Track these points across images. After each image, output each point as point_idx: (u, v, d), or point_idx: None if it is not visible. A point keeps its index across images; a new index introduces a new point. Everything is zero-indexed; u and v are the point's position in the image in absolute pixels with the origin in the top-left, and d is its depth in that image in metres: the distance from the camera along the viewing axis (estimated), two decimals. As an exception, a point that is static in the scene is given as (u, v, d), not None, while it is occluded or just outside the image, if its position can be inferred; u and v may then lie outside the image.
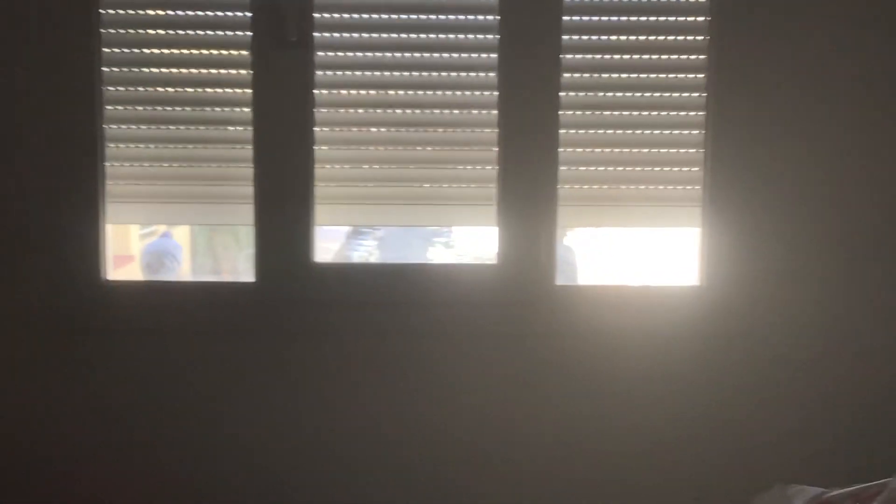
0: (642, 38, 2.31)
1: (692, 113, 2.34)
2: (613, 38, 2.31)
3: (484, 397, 2.37)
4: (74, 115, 2.27)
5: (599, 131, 2.34)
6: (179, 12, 2.29)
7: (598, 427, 2.39)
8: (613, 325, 2.34)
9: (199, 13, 2.29)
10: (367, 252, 4.44)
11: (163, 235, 3.48)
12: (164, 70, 2.31)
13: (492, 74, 2.31)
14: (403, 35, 2.31)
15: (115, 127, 2.31)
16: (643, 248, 3.34)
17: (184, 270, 3.59)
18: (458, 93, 2.32)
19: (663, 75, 2.33)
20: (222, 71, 2.32)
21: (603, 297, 2.37)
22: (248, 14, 2.28)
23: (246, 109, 2.31)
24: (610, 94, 2.33)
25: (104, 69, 2.28)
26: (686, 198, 2.36)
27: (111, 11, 2.28)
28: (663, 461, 2.39)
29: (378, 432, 2.38)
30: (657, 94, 2.33)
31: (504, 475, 2.39)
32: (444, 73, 2.31)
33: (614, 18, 2.31)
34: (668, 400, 2.38)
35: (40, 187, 2.28)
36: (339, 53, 2.31)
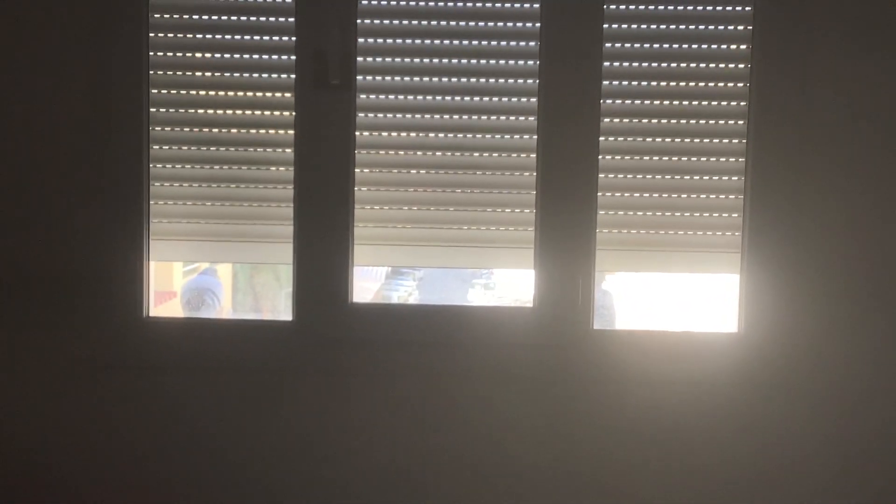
0: (682, 84, 2.32)
1: (731, 159, 2.33)
2: (653, 83, 2.32)
3: (519, 440, 2.36)
4: (121, 155, 2.32)
5: (638, 176, 2.34)
6: (226, 55, 2.35)
7: (633, 472, 2.36)
8: (650, 371, 2.32)
9: (245, 56, 2.34)
10: (407, 292, 4.46)
11: (203, 273, 3.53)
12: (209, 111, 2.36)
13: (531, 118, 2.33)
14: (444, 79, 2.33)
15: (160, 166, 2.36)
16: (682, 294, 3.32)
17: (224, 307, 3.63)
18: (498, 136, 2.34)
19: (703, 121, 2.33)
20: (266, 112, 2.36)
21: (640, 342, 2.35)
22: (293, 57, 2.32)
23: (288, 150, 2.35)
24: (649, 139, 2.33)
25: (151, 109, 2.34)
26: (725, 244, 2.35)
27: (160, 54, 2.33)
28: (700, 510, 2.36)
29: (411, 471, 2.37)
30: (697, 140, 2.33)
31: (538, 521, 2.38)
32: (483, 117, 2.34)
33: (654, 64, 2.31)
34: (705, 447, 2.35)
35: (85, 224, 2.33)
36: (381, 96, 2.34)
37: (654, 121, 2.33)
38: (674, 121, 2.33)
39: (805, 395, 2.33)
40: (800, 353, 2.31)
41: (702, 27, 2.31)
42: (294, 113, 2.33)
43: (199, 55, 2.36)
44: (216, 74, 2.35)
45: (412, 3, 2.32)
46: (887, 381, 2.34)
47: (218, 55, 2.35)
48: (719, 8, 2.31)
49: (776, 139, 2.29)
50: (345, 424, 2.36)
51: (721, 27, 2.32)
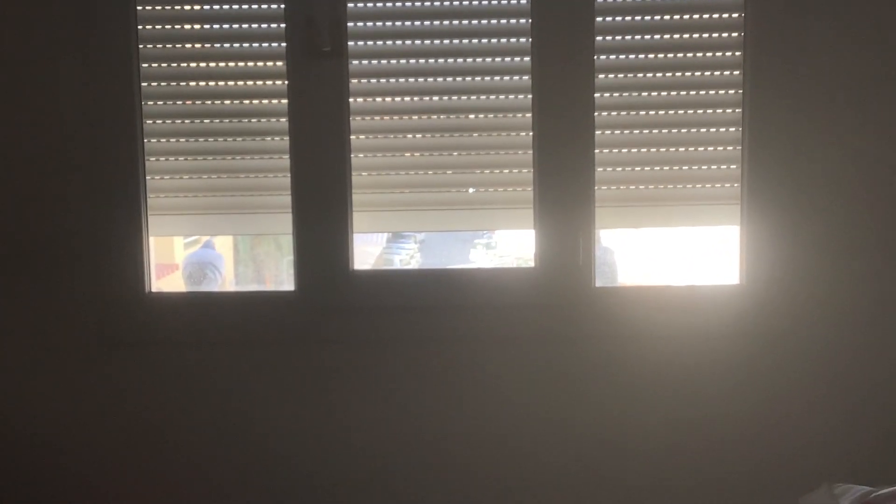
0: (676, 36, 2.30)
1: (728, 110, 2.32)
2: (647, 37, 2.30)
3: (524, 400, 2.37)
4: (115, 131, 2.31)
5: (635, 131, 2.33)
6: (215, 26, 2.33)
7: (640, 428, 2.38)
8: (654, 326, 2.33)
9: (235, 26, 2.32)
10: (408, 255, 4.46)
11: (204, 245, 3.53)
12: (201, 83, 2.35)
13: (526, 78, 2.31)
14: (436, 41, 2.32)
15: (154, 140, 2.35)
16: (682, 248, 3.32)
17: (227, 279, 3.63)
18: (493, 97, 2.33)
19: (698, 73, 2.31)
20: (258, 82, 2.34)
21: (643, 298, 2.36)
22: (283, 25, 2.30)
23: (282, 120, 2.34)
24: (644, 93, 2.32)
25: (143, 84, 2.32)
26: (724, 196, 2.34)
27: (149, 27, 2.31)
28: (706, 461, 2.38)
29: (419, 436, 2.39)
30: (692, 93, 2.31)
31: (545, 477, 2.39)
32: (477, 78, 2.32)
33: (648, 18, 2.29)
34: (710, 400, 2.36)
35: (84, 202, 2.33)
36: (373, 61, 2.33)
37: (650, 74, 2.31)
38: (669, 74, 2.31)
39: (807, 344, 2.34)
40: (802, 302, 2.32)
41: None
42: (287, 82, 2.32)
43: (188, 27, 2.34)
44: (206, 46, 2.34)
45: (401, -34, 2.30)
46: (889, 330, 2.34)
47: (207, 26, 2.34)
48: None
49: (772, 89, 2.27)
50: (351, 391, 2.38)
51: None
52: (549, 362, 2.36)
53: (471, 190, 2.37)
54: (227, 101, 2.34)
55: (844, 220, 2.31)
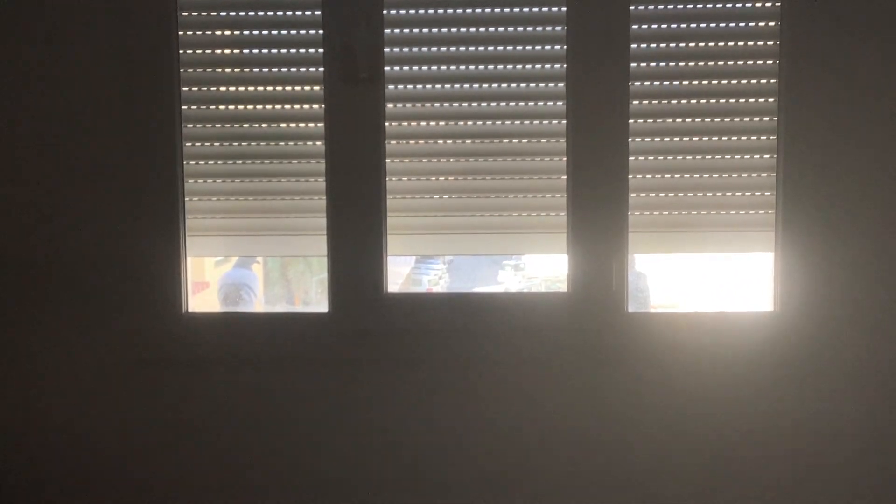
0: (711, 63, 2.31)
1: (763, 137, 2.32)
2: (682, 63, 2.31)
3: (556, 423, 2.37)
4: (155, 153, 2.35)
5: (669, 157, 2.34)
6: (254, 51, 2.36)
7: (672, 454, 2.37)
8: (686, 353, 2.33)
9: (274, 51, 2.36)
10: (437, 276, 4.47)
11: (238, 265, 3.56)
12: (240, 107, 2.38)
13: (560, 103, 2.33)
14: (472, 67, 2.34)
15: (193, 163, 2.38)
16: (717, 274, 3.31)
17: (258, 299, 3.66)
18: (527, 122, 2.34)
19: (732, 99, 2.32)
20: (296, 106, 2.37)
21: (675, 324, 2.35)
22: (321, 51, 2.33)
23: (319, 143, 2.36)
24: (679, 119, 2.32)
25: (183, 107, 2.36)
26: (759, 223, 2.34)
27: (189, 51, 2.35)
28: (738, 487, 2.36)
29: (450, 460, 2.39)
30: (727, 119, 2.32)
31: (576, 501, 2.39)
32: (512, 103, 2.34)
33: (682, 45, 2.30)
34: (742, 427, 2.35)
35: (123, 223, 2.36)
36: (409, 86, 2.35)
37: (684, 101, 2.32)
38: (703, 101, 2.32)
39: (842, 372, 2.32)
40: (836, 330, 2.31)
41: (728, 5, 2.30)
42: (324, 106, 2.35)
43: (228, 52, 2.38)
44: (245, 70, 2.37)
45: (438, -8, 2.32)
46: (926, 357, 2.33)
47: (247, 51, 2.37)
48: (747, -15, 2.29)
49: (807, 115, 2.28)
50: (384, 412, 2.39)
51: (749, 3, 2.30)
52: (581, 387, 2.36)
53: (496, 214, 2.38)
54: (265, 125, 2.38)
55: (880, 248, 2.30)
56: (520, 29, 2.32)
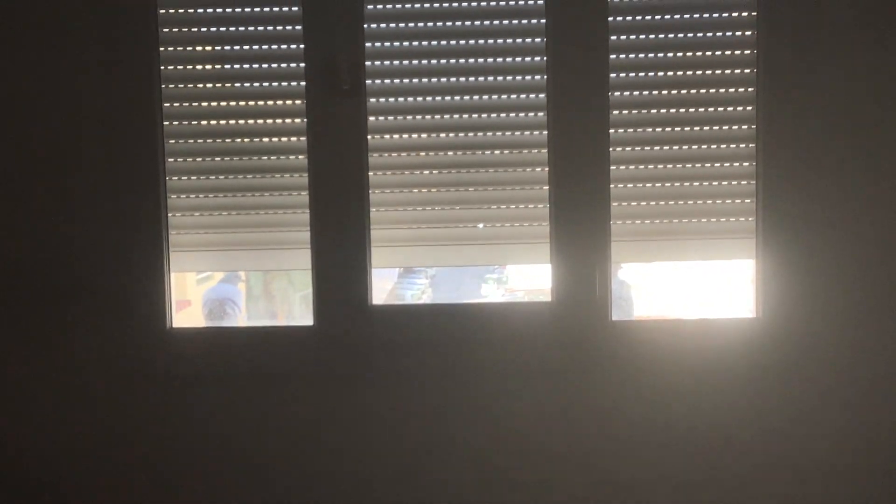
0: (690, 72, 2.33)
1: (742, 145, 2.35)
2: (661, 73, 2.34)
3: (542, 435, 2.38)
4: (137, 169, 2.35)
5: (650, 166, 2.36)
6: (236, 65, 2.37)
7: (656, 460, 2.38)
8: (670, 359, 2.34)
9: (255, 65, 2.36)
10: (420, 290, 4.47)
11: (223, 281, 3.55)
12: (222, 122, 2.39)
13: (541, 114, 2.34)
14: (453, 79, 2.35)
15: (176, 178, 2.38)
16: (699, 280, 3.33)
17: (242, 314, 3.65)
18: (509, 133, 2.36)
19: (712, 109, 2.34)
20: (278, 120, 2.38)
21: (659, 332, 2.37)
22: (302, 65, 2.34)
23: (301, 157, 2.37)
24: (659, 128, 2.35)
25: (165, 122, 2.36)
26: (739, 230, 2.36)
27: (171, 67, 2.36)
28: (723, 494, 2.37)
29: (437, 472, 2.39)
30: (706, 128, 2.34)
31: (566, 512, 2.40)
32: (493, 115, 2.35)
33: (661, 55, 2.33)
34: (726, 432, 2.36)
35: (107, 239, 2.36)
36: (391, 99, 2.36)
37: (664, 110, 2.34)
38: (683, 109, 2.34)
39: (823, 377, 2.34)
40: (817, 335, 2.33)
41: (706, 15, 2.32)
42: (306, 120, 2.35)
43: (209, 67, 2.38)
44: (227, 85, 2.38)
45: (417, 6, 2.34)
46: (906, 360, 2.35)
47: (228, 66, 2.37)
48: (723, -3, 2.33)
49: (785, 122, 2.30)
50: (369, 424, 2.39)
51: (726, 14, 2.32)
52: (566, 394, 2.37)
53: (480, 225, 2.39)
54: (247, 139, 2.38)
55: (860, 254, 2.32)
56: (500, 41, 2.34)
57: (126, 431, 2.40)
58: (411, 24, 2.35)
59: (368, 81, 2.35)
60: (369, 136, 2.36)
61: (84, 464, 2.42)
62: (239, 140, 2.38)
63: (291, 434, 2.39)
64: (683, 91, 2.34)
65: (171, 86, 2.36)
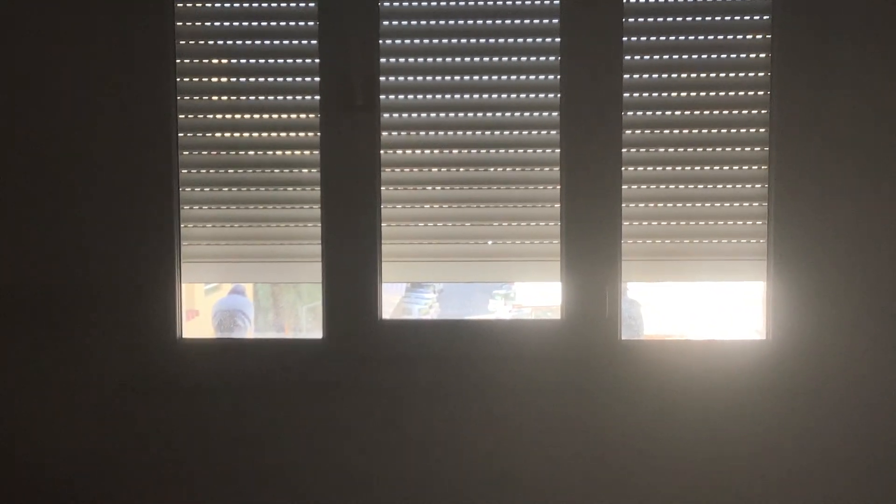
0: (703, 93, 2.34)
1: (755, 167, 2.35)
2: (675, 94, 2.34)
3: (549, 450, 2.37)
4: (151, 181, 2.36)
5: (662, 186, 2.36)
6: (251, 79, 2.38)
7: (664, 482, 2.37)
8: (679, 380, 2.34)
9: (271, 80, 2.38)
10: (427, 305, 4.48)
11: (233, 292, 3.56)
12: (236, 134, 2.40)
13: (553, 132, 2.35)
14: (466, 96, 2.36)
15: (189, 190, 2.39)
16: (709, 301, 3.33)
17: (252, 325, 3.66)
18: (521, 151, 2.36)
19: (724, 130, 2.35)
20: (291, 134, 2.39)
21: (668, 352, 2.37)
22: (317, 79, 2.35)
23: (314, 170, 2.38)
24: (672, 149, 2.35)
25: (180, 135, 2.37)
26: (750, 251, 2.36)
27: (187, 79, 2.37)
28: (733, 517, 2.37)
29: (443, 486, 2.39)
30: (720, 149, 2.35)
31: (572, 531, 2.39)
32: (506, 132, 2.36)
33: (675, 75, 2.34)
34: (733, 454, 2.36)
35: (118, 248, 2.37)
36: (404, 115, 2.37)
37: (677, 131, 2.35)
38: (696, 130, 2.35)
39: (833, 401, 2.34)
40: (827, 359, 2.32)
41: (720, 37, 2.33)
42: (319, 134, 2.36)
43: (224, 79, 2.40)
44: (242, 98, 2.39)
45: (433, 23, 2.35)
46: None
47: (243, 79, 2.38)
48: (737, 18, 2.33)
49: (798, 145, 2.31)
50: (377, 438, 2.38)
51: (740, 36, 2.33)
52: (574, 413, 2.37)
53: (490, 242, 2.39)
54: (261, 152, 2.39)
55: (871, 277, 2.32)
56: (514, 59, 2.35)
57: (135, 441, 2.40)
58: (426, 41, 2.36)
59: (382, 97, 2.36)
60: (382, 151, 2.37)
61: (92, 473, 2.41)
62: (252, 153, 2.39)
63: (299, 446, 2.39)
64: (697, 112, 2.34)
65: (186, 98, 2.38)
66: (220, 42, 2.38)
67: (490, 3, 2.34)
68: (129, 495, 2.41)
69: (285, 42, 2.37)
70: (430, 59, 2.36)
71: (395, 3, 2.35)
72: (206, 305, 3.98)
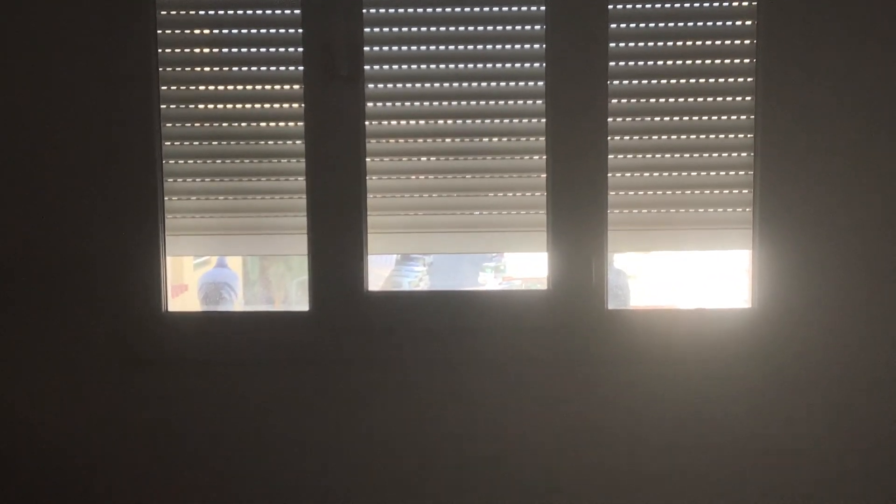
0: (689, 62, 2.33)
1: (740, 135, 2.34)
2: (660, 62, 2.33)
3: (536, 423, 2.38)
4: (133, 152, 2.34)
5: (647, 156, 2.35)
6: (234, 49, 2.36)
7: (651, 452, 2.38)
8: (666, 349, 2.34)
9: (253, 50, 2.35)
10: (417, 278, 4.48)
11: (218, 265, 3.55)
12: (219, 106, 2.38)
13: (539, 102, 2.34)
14: (451, 66, 2.34)
15: (172, 162, 2.38)
16: (695, 270, 3.34)
17: (238, 298, 3.66)
18: (507, 120, 2.35)
19: (710, 98, 2.34)
20: (275, 105, 2.37)
21: (655, 321, 2.37)
22: (300, 50, 2.33)
23: (299, 142, 2.36)
24: (657, 118, 2.34)
25: (162, 106, 2.35)
26: (736, 220, 2.36)
27: (168, 51, 2.35)
28: (718, 486, 2.38)
29: (431, 459, 2.40)
30: (705, 118, 2.34)
31: (556, 500, 2.40)
32: (491, 102, 2.35)
33: (661, 44, 2.32)
34: (720, 423, 2.37)
35: (102, 222, 2.36)
36: (389, 85, 2.36)
37: (662, 100, 2.34)
38: (681, 99, 2.33)
39: (819, 368, 2.34)
40: (813, 327, 2.33)
41: (707, 4, 2.31)
42: (303, 105, 2.35)
43: (207, 50, 2.38)
44: (224, 69, 2.37)
45: (417, -9, 2.33)
46: (902, 352, 2.36)
47: (226, 49, 2.37)
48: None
49: (783, 113, 2.30)
50: (365, 411, 2.39)
51: (727, 3, 2.32)
52: (561, 384, 2.37)
53: (476, 213, 2.38)
54: (245, 124, 2.37)
55: (858, 245, 2.32)
56: (499, 28, 2.33)
57: (121, 414, 2.40)
58: (410, 10, 2.34)
59: (367, 67, 2.34)
60: (367, 122, 2.35)
61: (79, 447, 2.42)
62: (236, 124, 2.37)
63: (287, 418, 2.40)
64: (682, 80, 2.33)
65: (168, 69, 2.35)
66: (202, 12, 2.35)
67: (475, -29, 2.32)
68: (116, 467, 2.42)
69: (267, 12, 2.34)
70: (414, 29, 2.34)
71: (379, -28, 2.33)
72: (196, 280, 3.98)
